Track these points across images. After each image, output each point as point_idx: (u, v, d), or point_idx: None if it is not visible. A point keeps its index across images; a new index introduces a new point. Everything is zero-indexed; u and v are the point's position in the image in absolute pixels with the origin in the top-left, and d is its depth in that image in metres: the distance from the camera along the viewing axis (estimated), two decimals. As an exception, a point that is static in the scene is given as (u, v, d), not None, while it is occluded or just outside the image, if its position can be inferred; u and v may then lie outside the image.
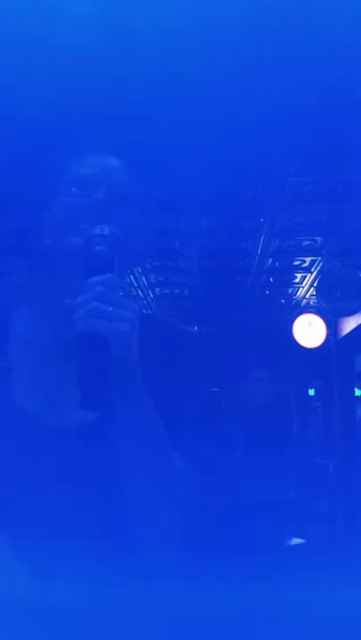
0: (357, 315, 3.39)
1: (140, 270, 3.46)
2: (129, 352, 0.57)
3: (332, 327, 4.07)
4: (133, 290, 3.79)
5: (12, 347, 0.65)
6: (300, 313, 4.16)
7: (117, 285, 0.55)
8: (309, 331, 3.96)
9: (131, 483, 0.61)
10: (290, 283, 3.89)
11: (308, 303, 4.32)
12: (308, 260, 3.35)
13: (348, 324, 3.85)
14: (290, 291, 4.10)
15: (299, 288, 4.04)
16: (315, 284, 3.74)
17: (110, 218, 0.64)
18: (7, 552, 0.64)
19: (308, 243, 3.00)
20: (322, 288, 3.28)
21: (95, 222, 0.60)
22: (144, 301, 4.23)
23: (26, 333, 0.65)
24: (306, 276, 3.74)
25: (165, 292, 3.85)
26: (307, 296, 4.20)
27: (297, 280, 3.84)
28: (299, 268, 3.55)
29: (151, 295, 4.03)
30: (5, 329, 0.66)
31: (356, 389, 4.12)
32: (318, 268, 3.47)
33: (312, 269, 3.57)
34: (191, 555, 0.66)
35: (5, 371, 0.64)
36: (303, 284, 3.92)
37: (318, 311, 4.05)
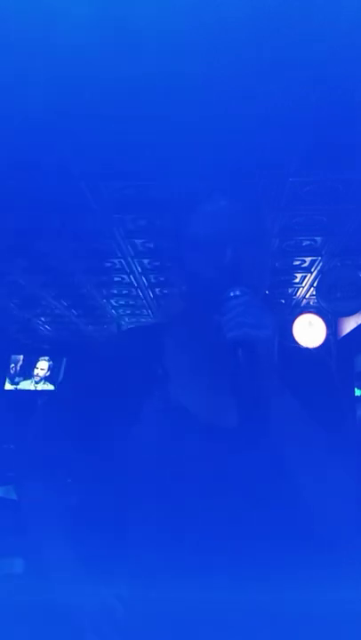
0: (357, 315, 3.40)
1: (139, 270, 3.47)
2: (273, 354, 0.67)
3: (332, 327, 4.08)
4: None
5: (171, 356, 0.77)
6: (300, 313, 4.18)
7: (255, 304, 0.66)
8: (309, 331, 3.97)
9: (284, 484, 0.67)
10: (290, 283, 3.90)
11: (308, 303, 4.33)
12: (308, 260, 3.36)
13: (348, 324, 3.85)
14: (290, 291, 4.11)
15: (299, 288, 4.05)
16: (315, 284, 3.75)
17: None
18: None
19: (308, 243, 3.00)
20: (322, 288, 3.28)
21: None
22: (143, 301, 4.24)
23: (184, 346, 0.77)
24: (306, 276, 3.74)
25: (165, 292, 3.86)
26: (307, 296, 4.21)
27: (297, 280, 3.84)
28: (299, 268, 3.55)
29: (151, 295, 4.05)
30: (163, 343, 0.78)
31: (356, 389, 4.12)
32: (318, 267, 3.48)
33: (312, 269, 3.57)
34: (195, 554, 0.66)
35: (164, 376, 0.75)
36: (303, 284, 3.93)
37: (318, 311, 4.06)
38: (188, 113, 1.67)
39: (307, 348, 0.81)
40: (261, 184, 2.09)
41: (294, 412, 0.68)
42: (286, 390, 0.68)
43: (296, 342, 3.73)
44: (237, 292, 0.67)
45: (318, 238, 2.93)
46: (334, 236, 2.84)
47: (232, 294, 0.67)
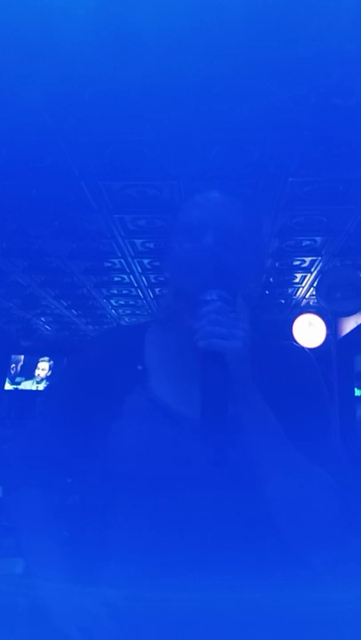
0: (357, 315, 3.39)
1: (139, 270, 3.47)
2: (243, 365, 0.67)
3: (333, 327, 4.08)
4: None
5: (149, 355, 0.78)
6: (300, 313, 4.17)
7: (227, 311, 0.65)
8: (309, 331, 3.97)
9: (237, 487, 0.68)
10: (290, 283, 3.90)
11: (308, 303, 4.33)
12: (308, 260, 3.36)
13: (348, 324, 3.85)
14: (290, 291, 4.11)
15: (299, 288, 4.05)
16: (315, 284, 3.75)
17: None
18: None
19: (308, 243, 3.00)
20: (322, 288, 3.28)
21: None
22: (143, 301, 4.24)
23: (161, 347, 0.78)
24: (306, 276, 3.74)
25: (165, 291, 3.83)
26: (307, 296, 4.21)
27: (297, 280, 3.84)
28: (299, 268, 3.55)
29: (151, 295, 4.05)
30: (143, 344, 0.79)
31: (356, 389, 4.13)
32: (318, 267, 3.48)
33: (312, 269, 3.57)
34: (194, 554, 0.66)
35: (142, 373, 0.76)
36: (303, 284, 3.93)
37: (318, 311, 4.06)
38: (187, 113, 1.67)
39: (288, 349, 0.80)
40: (261, 184, 2.09)
41: (264, 418, 0.68)
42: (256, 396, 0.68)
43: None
44: (213, 296, 0.66)
45: (318, 238, 2.93)
46: (334, 235, 2.84)
47: (208, 298, 0.66)
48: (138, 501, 0.68)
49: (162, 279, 3.49)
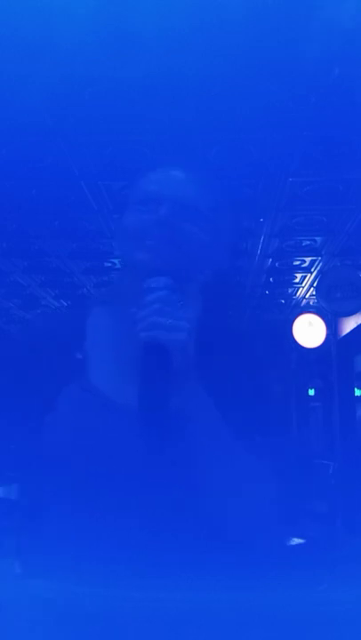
0: (357, 315, 3.39)
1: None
2: (187, 358, 0.63)
3: (332, 327, 4.07)
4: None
5: (89, 343, 0.72)
6: (300, 313, 4.17)
7: (173, 300, 0.59)
8: (309, 331, 3.96)
9: (185, 480, 0.65)
10: (290, 283, 3.89)
11: (308, 303, 4.33)
12: (308, 260, 3.35)
13: (348, 324, 3.84)
14: (290, 291, 4.11)
15: (299, 288, 4.04)
16: (315, 284, 3.74)
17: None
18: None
19: (308, 243, 2.99)
20: (322, 288, 3.28)
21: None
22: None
23: (101, 334, 0.72)
24: (306, 276, 3.74)
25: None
26: (307, 296, 4.20)
27: (297, 280, 3.84)
28: (299, 268, 3.55)
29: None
30: (84, 328, 0.72)
31: (356, 389, 4.12)
32: (318, 267, 3.47)
33: (312, 269, 3.57)
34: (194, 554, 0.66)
35: (82, 361, 0.70)
36: (303, 284, 3.93)
37: (318, 311, 4.05)
38: (187, 113, 1.67)
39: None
40: (261, 184, 2.09)
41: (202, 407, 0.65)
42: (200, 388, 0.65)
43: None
44: (159, 283, 0.60)
45: (318, 238, 2.93)
46: (334, 235, 2.84)
47: (153, 285, 0.62)
48: (70, 496, 0.66)
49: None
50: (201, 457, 0.62)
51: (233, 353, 0.71)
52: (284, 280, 3.86)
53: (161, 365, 0.60)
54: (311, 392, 3.26)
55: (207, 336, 0.71)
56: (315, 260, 3.47)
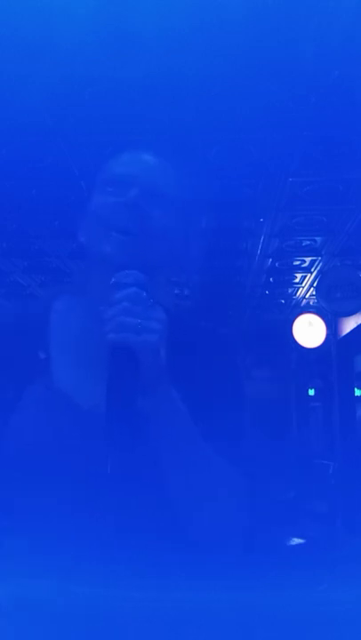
0: (357, 315, 3.39)
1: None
2: (157, 361, 0.58)
3: (332, 327, 4.07)
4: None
5: (53, 341, 0.69)
6: (300, 313, 4.17)
7: (143, 298, 0.56)
8: (309, 331, 3.96)
9: (160, 483, 0.63)
10: (290, 283, 3.89)
11: (308, 303, 4.33)
12: (308, 260, 3.36)
13: (348, 324, 3.84)
14: (290, 291, 4.11)
15: (299, 288, 4.04)
16: (315, 284, 3.75)
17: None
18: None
19: (308, 243, 3.00)
20: (322, 288, 3.28)
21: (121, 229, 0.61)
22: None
23: (65, 330, 0.68)
24: (306, 276, 3.74)
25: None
26: (307, 296, 4.21)
27: (297, 280, 3.84)
28: (299, 268, 3.55)
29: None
30: (47, 325, 0.69)
31: (356, 389, 4.12)
32: (318, 267, 3.48)
33: (312, 269, 3.57)
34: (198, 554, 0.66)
35: (46, 361, 0.66)
36: (303, 284, 3.93)
37: (318, 311, 4.05)
38: (187, 113, 1.67)
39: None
40: (261, 184, 2.09)
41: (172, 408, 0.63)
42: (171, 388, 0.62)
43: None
44: (128, 278, 0.56)
45: (318, 238, 2.93)
46: (334, 235, 2.84)
47: (122, 280, 0.56)
48: (34, 500, 0.64)
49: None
50: (195, 458, 0.61)
51: (233, 353, 0.70)
52: (284, 280, 3.86)
53: (129, 368, 0.57)
54: (311, 392, 3.26)
55: (202, 337, 0.70)
56: (315, 260, 3.47)
